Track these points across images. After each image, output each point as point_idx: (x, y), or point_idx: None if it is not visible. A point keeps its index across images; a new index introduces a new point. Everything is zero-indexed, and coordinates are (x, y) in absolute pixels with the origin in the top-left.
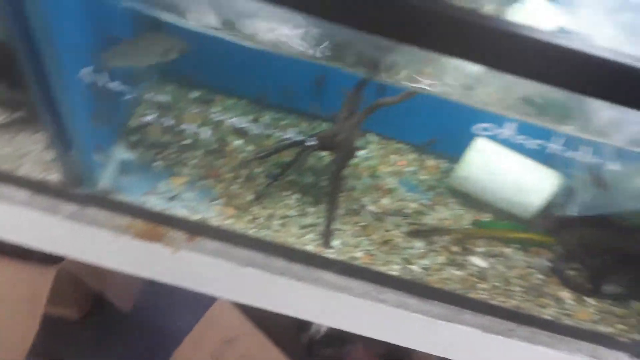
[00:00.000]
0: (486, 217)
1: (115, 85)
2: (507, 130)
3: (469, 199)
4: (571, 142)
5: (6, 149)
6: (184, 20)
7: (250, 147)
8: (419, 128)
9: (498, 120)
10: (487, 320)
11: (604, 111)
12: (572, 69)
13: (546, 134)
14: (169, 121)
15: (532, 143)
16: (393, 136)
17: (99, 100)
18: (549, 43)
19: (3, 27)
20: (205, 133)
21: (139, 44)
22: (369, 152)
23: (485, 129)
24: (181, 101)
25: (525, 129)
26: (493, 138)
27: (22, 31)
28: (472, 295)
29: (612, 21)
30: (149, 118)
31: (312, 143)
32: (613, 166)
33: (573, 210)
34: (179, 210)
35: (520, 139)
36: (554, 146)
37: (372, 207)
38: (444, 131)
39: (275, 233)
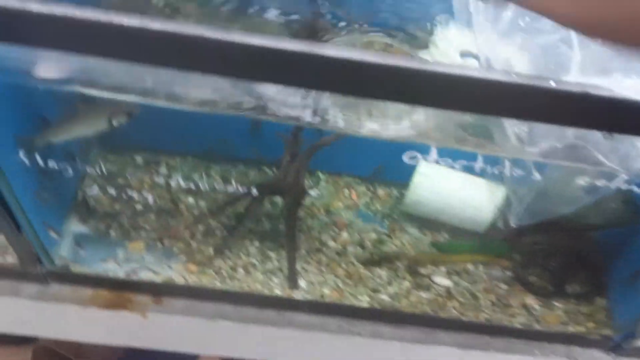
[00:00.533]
0: (444, 237)
1: (53, 164)
2: (432, 156)
3: (424, 222)
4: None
5: None
6: (115, 93)
7: (203, 203)
8: (365, 159)
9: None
10: (462, 337)
11: (515, 128)
12: (485, 94)
13: (469, 155)
14: (117, 190)
15: (458, 165)
16: (341, 171)
17: (41, 179)
18: (452, 74)
19: None
20: (155, 195)
21: (81, 115)
22: (320, 190)
23: (412, 158)
24: (126, 167)
25: (447, 153)
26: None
27: None
28: (443, 314)
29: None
30: (94, 191)
31: (263, 190)
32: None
33: (513, 220)
34: (141, 274)
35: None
36: (479, 165)
37: (332, 243)
38: (389, 158)
39: (241, 283)
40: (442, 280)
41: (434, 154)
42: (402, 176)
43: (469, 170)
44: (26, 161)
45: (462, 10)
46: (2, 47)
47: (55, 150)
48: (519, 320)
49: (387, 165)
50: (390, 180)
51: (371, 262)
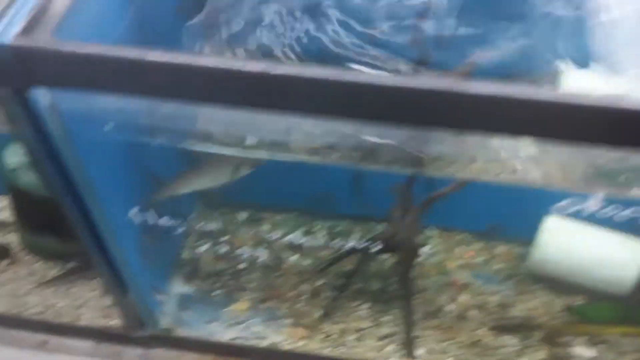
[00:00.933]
0: (579, 300)
1: (164, 221)
2: (592, 204)
3: (555, 283)
4: None
5: (65, 301)
6: (223, 148)
7: (307, 261)
8: (479, 214)
9: (575, 195)
10: None
11: None
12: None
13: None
14: (222, 248)
15: (623, 215)
16: (453, 227)
17: (149, 239)
18: (602, 106)
19: (45, 183)
20: (260, 253)
21: (206, 167)
22: (432, 248)
23: (563, 209)
24: (230, 225)
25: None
26: (578, 215)
27: (65, 185)
28: None
29: None
30: (202, 249)
31: (372, 247)
32: None
33: None
34: (246, 339)
35: (608, 212)
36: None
37: (450, 306)
38: (507, 213)
39: (352, 350)
40: (584, 351)
41: (593, 202)
42: (524, 231)
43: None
44: (136, 220)
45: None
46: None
47: (163, 209)
48: None
49: (507, 220)
50: (509, 236)
51: (502, 328)
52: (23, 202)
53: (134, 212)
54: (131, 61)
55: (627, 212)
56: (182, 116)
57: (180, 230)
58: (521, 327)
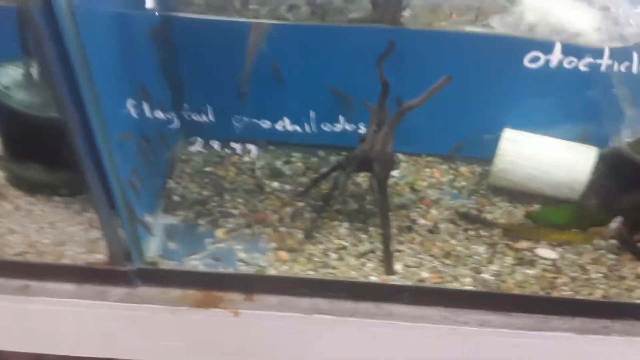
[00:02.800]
0: (536, 207)
1: (158, 114)
2: (556, 56)
3: (513, 194)
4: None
5: (48, 238)
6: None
7: (288, 186)
8: (443, 137)
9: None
10: (578, 322)
11: None
12: None
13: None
14: (205, 177)
15: (582, 63)
16: (420, 151)
17: (142, 162)
18: None
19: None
20: (242, 181)
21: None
22: (402, 171)
23: (534, 59)
24: (212, 156)
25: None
26: (544, 69)
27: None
28: (556, 294)
29: None
30: (185, 178)
31: (349, 166)
32: None
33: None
34: (231, 267)
35: (570, 63)
36: (605, 62)
37: (422, 221)
38: (467, 134)
39: (334, 269)
40: (547, 253)
41: (557, 52)
42: (482, 151)
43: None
44: (133, 113)
45: None
46: None
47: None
48: (637, 294)
49: (468, 141)
50: (470, 157)
51: (464, 216)
52: (12, 125)
53: (130, 104)
54: None
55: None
56: None
57: (165, 157)
58: (480, 221)
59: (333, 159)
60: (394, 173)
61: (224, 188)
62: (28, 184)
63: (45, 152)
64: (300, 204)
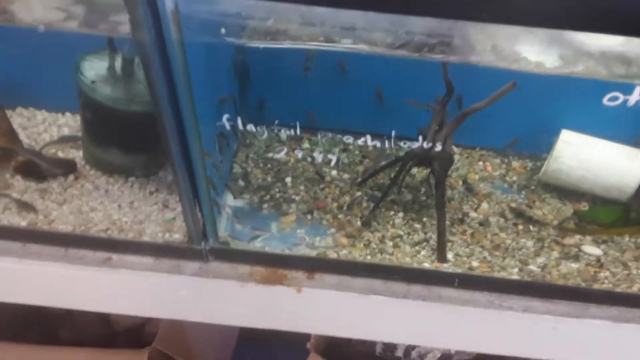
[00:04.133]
0: (584, 206)
1: (250, 128)
2: (635, 96)
3: (563, 191)
4: None
5: (128, 217)
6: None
7: (346, 176)
8: (498, 132)
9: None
10: (615, 310)
11: None
12: None
13: None
14: (268, 163)
15: None
16: (474, 144)
17: (219, 150)
18: None
19: (151, 88)
20: (303, 168)
21: None
22: (455, 164)
23: (612, 98)
24: (273, 143)
25: None
26: (622, 107)
27: (169, 91)
28: (597, 286)
29: None
30: (251, 164)
31: (411, 158)
32: None
33: None
34: (295, 249)
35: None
36: None
37: (473, 214)
38: (521, 131)
39: (390, 256)
40: (592, 249)
41: (637, 92)
42: (536, 148)
43: None
44: (224, 128)
45: None
46: None
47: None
48: None
49: (522, 138)
50: (522, 152)
51: (518, 214)
52: (95, 115)
53: (225, 119)
54: None
55: None
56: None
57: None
58: (532, 220)
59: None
60: None
61: (285, 175)
62: (106, 166)
63: (125, 138)
64: (359, 193)
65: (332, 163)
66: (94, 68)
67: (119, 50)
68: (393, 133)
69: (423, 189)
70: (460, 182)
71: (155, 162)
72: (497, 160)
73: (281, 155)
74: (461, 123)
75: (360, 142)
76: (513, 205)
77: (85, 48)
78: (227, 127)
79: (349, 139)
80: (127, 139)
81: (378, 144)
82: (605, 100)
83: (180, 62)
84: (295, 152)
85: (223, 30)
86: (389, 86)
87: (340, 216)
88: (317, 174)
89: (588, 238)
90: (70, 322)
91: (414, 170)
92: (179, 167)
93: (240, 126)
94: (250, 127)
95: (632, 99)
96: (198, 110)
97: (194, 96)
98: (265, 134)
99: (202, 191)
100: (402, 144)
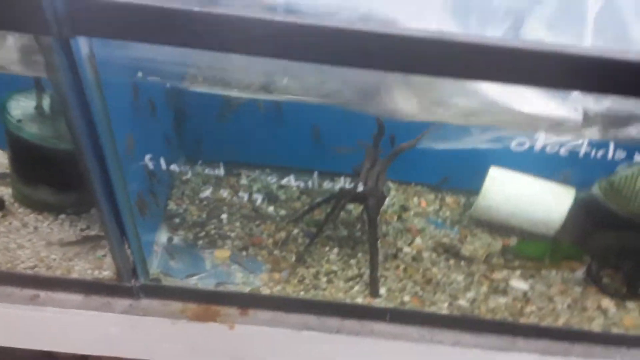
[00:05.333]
0: (514, 241)
1: (174, 167)
2: (540, 142)
3: (494, 226)
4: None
5: (57, 254)
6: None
7: (283, 211)
8: (432, 168)
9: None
10: (542, 343)
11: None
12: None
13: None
14: (204, 200)
15: (563, 149)
16: (409, 180)
17: (147, 189)
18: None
19: (71, 129)
20: (239, 205)
21: None
22: (391, 199)
23: (520, 143)
24: (210, 179)
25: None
26: (529, 152)
27: (89, 132)
28: (523, 320)
29: None
30: (186, 200)
31: (345, 195)
32: None
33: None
34: (228, 285)
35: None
36: (584, 149)
37: (407, 249)
38: (454, 168)
39: (324, 291)
40: (519, 284)
41: (542, 139)
42: (469, 183)
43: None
44: (148, 167)
45: None
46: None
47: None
48: (597, 323)
49: (454, 174)
50: (456, 187)
51: (446, 250)
52: (23, 153)
53: (147, 159)
54: (177, 12)
55: (563, 149)
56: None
57: (167, 181)
58: (461, 257)
59: (327, 184)
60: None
61: (220, 212)
62: (36, 203)
63: (54, 176)
64: (294, 229)
65: (258, 202)
66: (21, 107)
67: (46, 88)
68: (315, 174)
69: (358, 225)
70: (395, 218)
71: (86, 199)
72: (432, 196)
73: (206, 194)
74: (392, 161)
75: (283, 182)
76: (444, 240)
77: (13, 86)
78: (150, 166)
79: (272, 179)
80: (56, 177)
81: (302, 184)
82: (513, 145)
83: (98, 104)
84: (221, 191)
85: (140, 74)
86: (325, 124)
87: (275, 252)
88: (253, 210)
89: (517, 272)
90: (11, 354)
91: (351, 206)
92: (103, 205)
93: (163, 166)
94: (174, 167)
95: (538, 145)
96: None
97: (115, 135)
98: (190, 174)
99: (129, 230)
100: (325, 184)
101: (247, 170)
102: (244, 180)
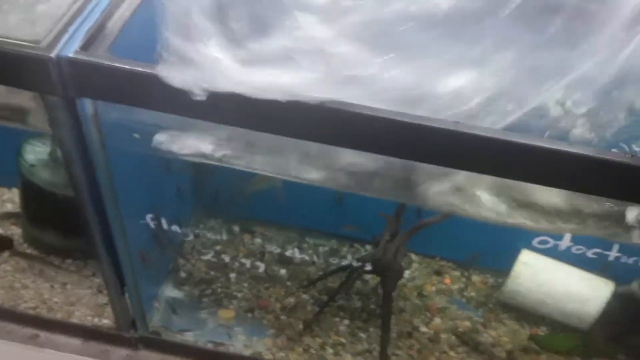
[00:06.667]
0: (542, 331)
1: (175, 228)
2: (565, 242)
3: (522, 313)
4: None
5: (59, 297)
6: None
7: (295, 276)
8: (460, 244)
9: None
10: None
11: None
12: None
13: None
14: (215, 256)
15: (590, 252)
16: (434, 254)
17: (152, 243)
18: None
19: (73, 183)
20: (250, 265)
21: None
22: (413, 272)
23: (542, 242)
24: (224, 235)
25: (580, 239)
26: (552, 250)
27: (91, 187)
28: None
29: None
30: (196, 256)
31: (360, 267)
32: None
33: None
34: (230, 346)
35: (578, 249)
36: (614, 254)
37: (424, 328)
38: (485, 245)
39: None
40: None
41: (567, 239)
42: (499, 263)
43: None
44: (150, 226)
45: None
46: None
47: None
48: None
49: (485, 252)
50: (485, 266)
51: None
52: (34, 197)
53: (149, 218)
54: None
55: (590, 252)
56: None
57: (179, 238)
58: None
59: (345, 250)
60: (405, 273)
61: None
62: (44, 246)
63: (62, 221)
64: (305, 295)
65: (261, 269)
66: (36, 152)
67: None
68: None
69: (373, 298)
70: (415, 293)
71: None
72: (457, 273)
73: (208, 257)
74: (413, 235)
75: (287, 253)
76: (467, 323)
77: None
78: (152, 225)
79: (277, 250)
80: (64, 222)
81: (306, 257)
82: (534, 243)
83: (101, 161)
84: (222, 255)
85: (137, 135)
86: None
87: (282, 317)
88: (264, 271)
89: None
90: None
91: (369, 276)
92: (103, 257)
93: (165, 225)
94: (175, 227)
95: (563, 244)
96: (129, 204)
97: (118, 191)
98: (191, 236)
99: (129, 281)
100: (330, 259)
101: (262, 228)
102: (258, 239)
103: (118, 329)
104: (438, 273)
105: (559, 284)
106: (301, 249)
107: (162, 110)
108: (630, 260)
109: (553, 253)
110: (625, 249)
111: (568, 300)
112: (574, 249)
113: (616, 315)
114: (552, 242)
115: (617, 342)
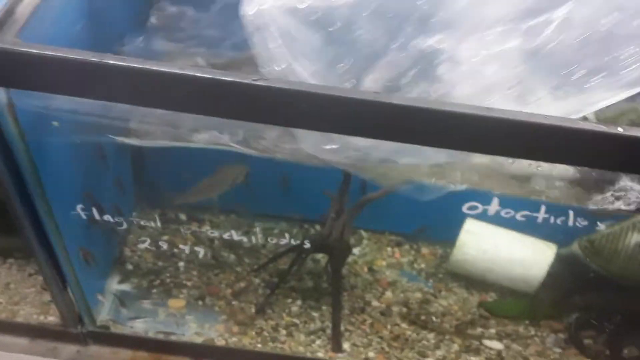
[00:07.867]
0: (491, 297)
1: (107, 218)
2: (493, 207)
3: (471, 281)
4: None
5: (2, 297)
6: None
7: (246, 260)
8: (408, 217)
9: (484, 197)
10: None
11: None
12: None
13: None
14: (162, 246)
15: (519, 215)
16: (383, 229)
17: (89, 237)
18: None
19: None
20: (199, 252)
21: (215, 178)
22: (363, 249)
23: (472, 208)
24: (171, 224)
25: (508, 203)
26: (482, 216)
27: (14, 181)
28: None
29: None
30: (142, 247)
31: (306, 247)
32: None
33: None
34: (181, 335)
35: (507, 213)
36: (542, 215)
37: (376, 303)
38: (432, 217)
39: (283, 345)
40: (493, 344)
41: (495, 204)
42: (447, 233)
43: (530, 224)
44: (81, 216)
45: None
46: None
47: (106, 207)
48: None
49: (432, 223)
50: (434, 238)
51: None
52: None
53: (79, 208)
54: (93, 64)
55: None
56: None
57: (122, 228)
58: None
59: (294, 231)
60: (354, 250)
61: (178, 259)
62: None
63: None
64: (256, 279)
65: (201, 255)
66: None
67: None
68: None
69: (324, 276)
70: (366, 269)
71: None
72: (407, 246)
73: (145, 245)
74: (358, 212)
75: (226, 236)
76: (417, 295)
77: None
78: (83, 216)
79: (213, 233)
80: (3, 221)
81: (245, 239)
82: (464, 209)
83: (22, 153)
84: (169, 245)
85: (55, 123)
86: (295, 171)
87: (233, 302)
88: (213, 258)
89: (491, 331)
90: None
91: (319, 256)
92: (39, 253)
93: (97, 216)
94: (107, 217)
95: (491, 210)
96: (58, 195)
97: (44, 182)
98: (125, 225)
99: (69, 277)
100: (268, 239)
101: (210, 215)
102: (206, 226)
103: (65, 325)
104: (387, 247)
105: (504, 250)
106: (250, 233)
107: (78, 96)
108: (559, 221)
109: (485, 218)
110: (551, 209)
111: (513, 265)
112: (503, 213)
113: (560, 276)
114: (481, 207)
115: (563, 303)
